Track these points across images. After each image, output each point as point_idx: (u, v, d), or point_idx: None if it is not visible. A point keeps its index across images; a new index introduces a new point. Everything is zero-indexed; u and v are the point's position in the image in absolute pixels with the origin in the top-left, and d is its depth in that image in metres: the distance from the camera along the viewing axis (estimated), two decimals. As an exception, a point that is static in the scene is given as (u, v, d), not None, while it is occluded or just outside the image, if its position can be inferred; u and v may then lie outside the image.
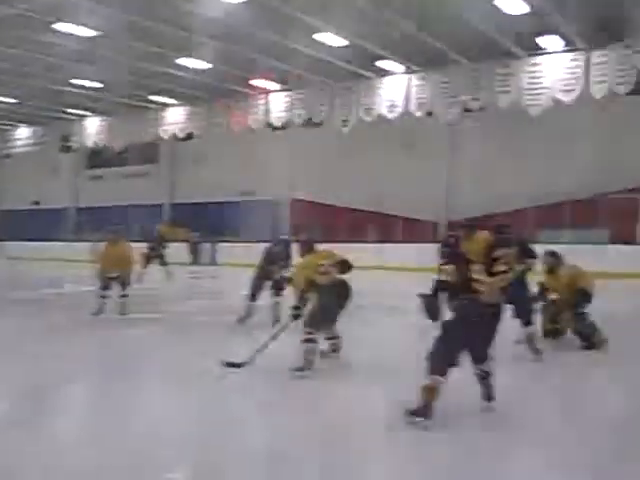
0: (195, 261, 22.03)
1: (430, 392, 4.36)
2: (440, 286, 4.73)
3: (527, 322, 6.69)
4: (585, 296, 7.22)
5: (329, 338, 6.47)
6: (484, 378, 4.77)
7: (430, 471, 3.85)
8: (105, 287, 9.82)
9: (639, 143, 17.61)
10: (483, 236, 4.73)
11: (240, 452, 4.03)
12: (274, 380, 5.77)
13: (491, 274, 4.54)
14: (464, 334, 4.52)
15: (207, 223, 23.04)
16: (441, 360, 4.42)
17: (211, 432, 4.46)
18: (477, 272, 4.52)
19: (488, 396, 4.79)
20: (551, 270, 7.43)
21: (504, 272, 4.59)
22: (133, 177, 27.79)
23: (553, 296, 7.34)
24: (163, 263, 15.85)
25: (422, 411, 4.35)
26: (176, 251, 17.73)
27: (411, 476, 3.83)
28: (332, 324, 6.34)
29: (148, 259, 15.34)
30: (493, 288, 4.50)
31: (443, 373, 4.38)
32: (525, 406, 5.09)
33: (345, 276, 6.29)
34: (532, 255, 6.92)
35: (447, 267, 4.68)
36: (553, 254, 7.52)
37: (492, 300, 4.52)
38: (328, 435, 4.38)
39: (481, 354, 4.71)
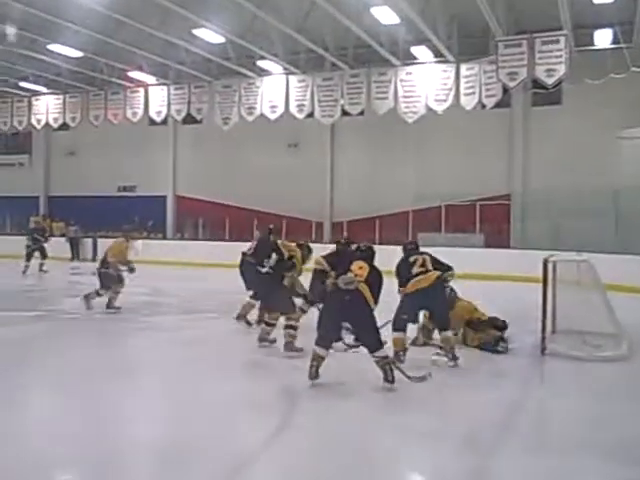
0: (75, 256, 21.09)
1: (314, 358, 5.58)
2: (316, 275, 6.24)
3: (443, 328, 6.65)
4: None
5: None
6: (382, 365, 5.51)
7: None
8: None
9: (505, 153, 18.60)
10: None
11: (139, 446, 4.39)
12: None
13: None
14: (330, 314, 5.61)
15: (87, 217, 21.99)
16: (321, 334, 5.61)
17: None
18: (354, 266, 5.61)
19: (386, 379, 5.51)
20: None
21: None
22: (6, 167, 26.09)
23: None
24: (44, 256, 16.24)
25: (311, 373, 5.56)
26: (55, 246, 17.76)
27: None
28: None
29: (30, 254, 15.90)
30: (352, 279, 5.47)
31: (322, 344, 5.58)
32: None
33: None
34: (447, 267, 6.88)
35: (320, 258, 6.23)
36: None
37: (347, 287, 5.42)
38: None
39: (366, 342, 5.57)
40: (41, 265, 16.03)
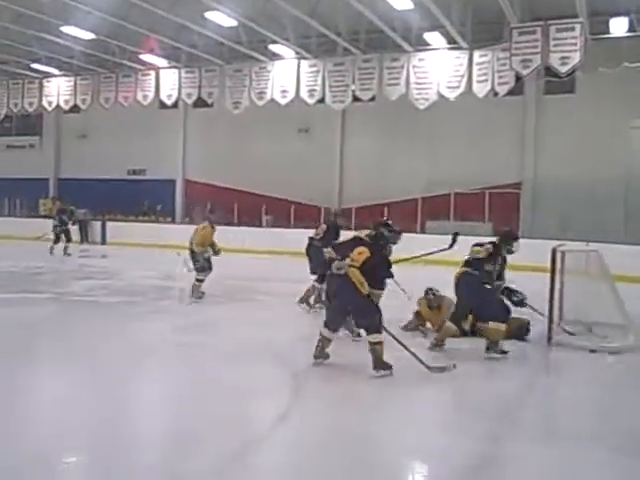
0: (84, 239, 21.23)
1: (320, 339, 5.85)
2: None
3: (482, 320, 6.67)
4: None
5: None
6: (371, 349, 5.52)
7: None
8: None
9: (517, 141, 18.48)
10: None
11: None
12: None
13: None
14: (330, 298, 5.98)
15: (96, 200, 22.07)
16: (328, 317, 5.92)
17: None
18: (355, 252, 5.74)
19: (373, 364, 5.50)
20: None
21: None
22: (17, 148, 26.22)
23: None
24: (69, 239, 16.75)
25: (315, 352, 5.85)
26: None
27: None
28: None
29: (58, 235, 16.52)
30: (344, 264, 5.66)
31: (329, 327, 5.84)
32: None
33: None
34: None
35: (330, 249, 6.22)
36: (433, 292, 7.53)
37: (338, 272, 5.65)
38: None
39: (361, 325, 5.89)
40: (66, 248, 16.36)
